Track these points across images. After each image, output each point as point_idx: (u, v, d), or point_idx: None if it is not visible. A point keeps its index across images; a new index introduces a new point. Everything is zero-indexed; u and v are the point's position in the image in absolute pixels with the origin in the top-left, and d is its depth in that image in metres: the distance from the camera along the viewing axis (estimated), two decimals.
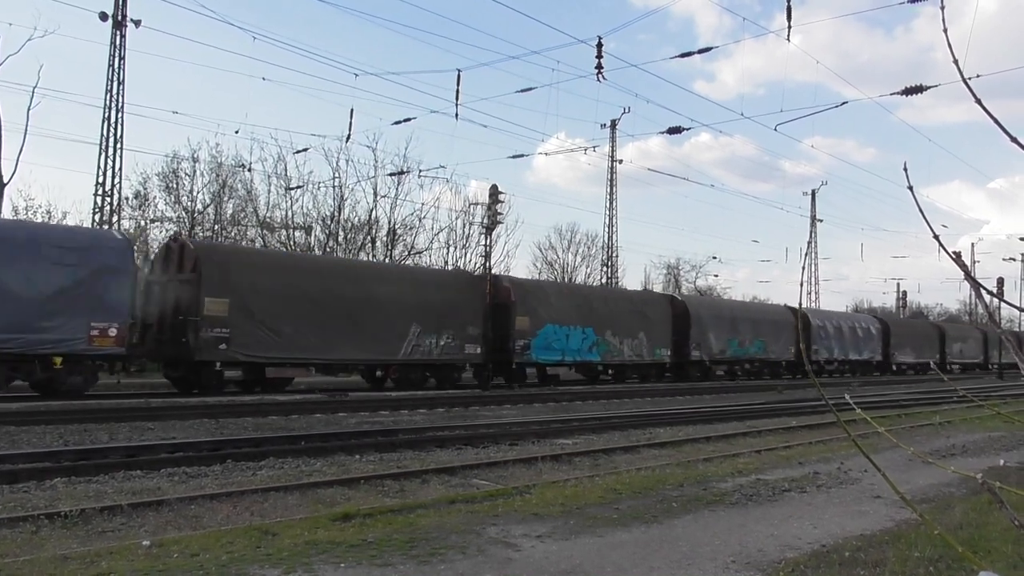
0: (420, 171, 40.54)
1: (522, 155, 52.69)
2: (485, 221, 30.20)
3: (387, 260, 40.25)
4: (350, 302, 22.85)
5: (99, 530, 6.93)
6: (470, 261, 43.61)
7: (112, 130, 28.92)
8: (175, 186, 37.58)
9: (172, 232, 28.93)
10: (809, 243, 62.08)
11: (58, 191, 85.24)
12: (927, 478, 9.28)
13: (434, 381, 25.64)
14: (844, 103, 24.68)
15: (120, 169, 29.33)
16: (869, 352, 46.38)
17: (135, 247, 23.13)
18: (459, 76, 24.33)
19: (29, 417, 14.09)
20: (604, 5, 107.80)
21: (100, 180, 29.03)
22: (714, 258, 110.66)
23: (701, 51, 24.73)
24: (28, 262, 17.54)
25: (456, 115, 24.86)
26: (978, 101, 1.65)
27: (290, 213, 39.91)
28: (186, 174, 37.68)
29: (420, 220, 43.75)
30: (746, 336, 37.66)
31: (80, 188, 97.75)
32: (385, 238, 42.30)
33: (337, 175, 40.33)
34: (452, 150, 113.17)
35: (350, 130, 32.35)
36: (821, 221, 57.52)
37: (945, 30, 1.65)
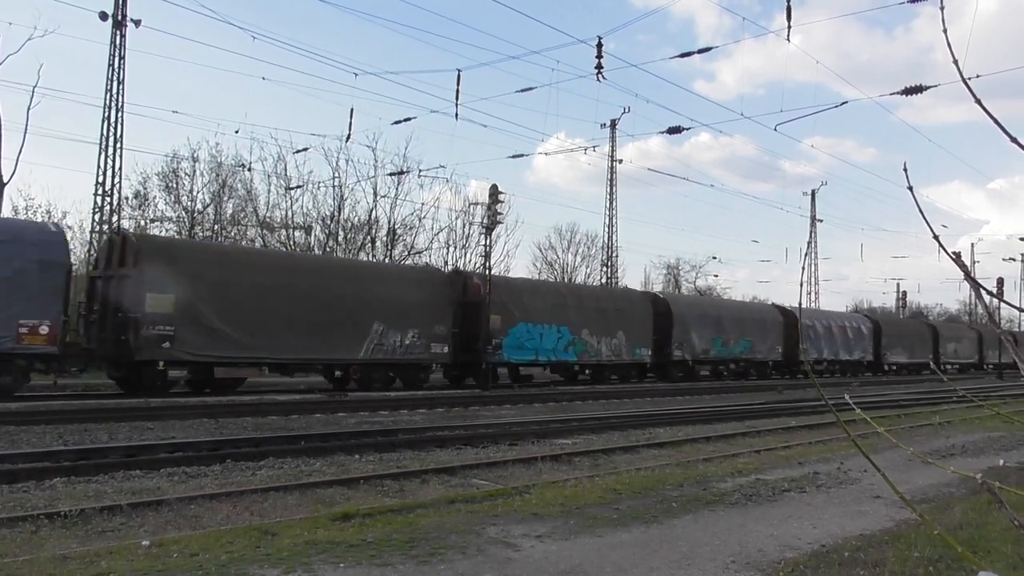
0: (420, 171, 40.58)
1: (522, 155, 52.89)
2: (485, 221, 30.14)
3: (386, 260, 40.27)
4: (307, 298, 21.82)
5: (99, 530, 6.93)
6: (470, 261, 43.67)
7: (112, 130, 28.94)
8: (175, 186, 37.67)
9: (113, 228, 26.91)
10: (809, 243, 62.11)
11: (58, 191, 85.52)
12: (927, 478, 9.28)
13: (400, 383, 24.57)
14: (844, 103, 24.60)
15: (120, 169, 29.35)
16: (860, 352, 45.86)
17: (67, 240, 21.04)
18: (459, 76, 24.32)
19: (28, 417, 14.09)
20: (604, 5, 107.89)
21: (100, 180, 29.03)
22: (714, 258, 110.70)
23: (701, 51, 24.71)
24: None
25: (456, 115, 24.83)
26: (978, 101, 1.65)
27: (290, 213, 40.01)
28: (186, 174, 37.77)
29: (420, 220, 43.85)
30: (731, 335, 36.91)
31: (80, 188, 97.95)
32: (385, 238, 42.35)
33: (337, 175, 40.41)
34: (452, 150, 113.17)
35: (350, 130, 32.46)
36: (821, 221, 57.59)
37: (945, 30, 1.65)
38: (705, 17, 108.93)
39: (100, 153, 28.82)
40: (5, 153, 30.08)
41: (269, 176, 41.95)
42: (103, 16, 28.20)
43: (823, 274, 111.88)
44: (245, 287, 20.73)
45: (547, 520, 6.93)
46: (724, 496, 8.34)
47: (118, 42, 28.59)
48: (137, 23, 28.62)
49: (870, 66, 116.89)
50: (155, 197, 37.38)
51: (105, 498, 8.20)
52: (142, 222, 36.59)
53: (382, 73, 61.56)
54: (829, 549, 6.13)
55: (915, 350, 50.62)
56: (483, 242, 30.45)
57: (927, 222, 1.78)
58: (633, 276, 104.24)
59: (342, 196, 40.88)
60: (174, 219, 37.43)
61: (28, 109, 31.05)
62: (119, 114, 28.95)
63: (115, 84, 28.77)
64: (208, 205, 38.37)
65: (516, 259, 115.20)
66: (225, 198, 38.89)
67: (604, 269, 48.42)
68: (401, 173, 40.28)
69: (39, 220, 25.75)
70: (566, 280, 52.27)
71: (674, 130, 25.67)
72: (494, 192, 28.19)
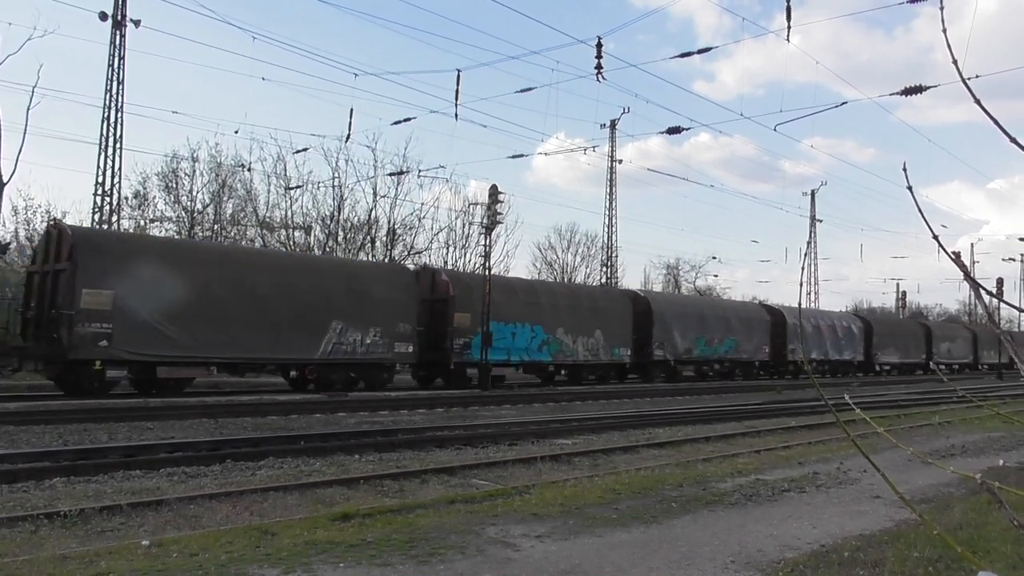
0: (420, 171, 40.63)
1: (522, 155, 52.84)
2: (484, 221, 30.13)
3: (385, 260, 40.27)
4: (259, 295, 20.87)
5: (98, 530, 6.93)
6: (470, 261, 43.71)
7: (112, 130, 28.99)
8: (175, 186, 37.71)
9: (52, 220, 25.07)
10: (809, 243, 62.10)
11: (58, 191, 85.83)
12: (926, 478, 9.28)
13: (363, 384, 23.71)
14: (844, 103, 24.72)
15: (120, 169, 29.44)
16: (850, 352, 45.29)
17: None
18: (459, 76, 24.31)
19: (28, 417, 14.08)
20: (604, 5, 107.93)
21: (100, 180, 29.11)
22: (714, 258, 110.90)
23: (701, 51, 24.68)
24: None
25: (456, 115, 24.81)
26: (977, 101, 1.65)
27: (290, 213, 40.01)
28: (186, 174, 37.80)
29: (420, 220, 43.87)
30: (715, 335, 36.02)
31: (80, 188, 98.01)
32: (385, 238, 42.36)
33: (337, 175, 40.42)
34: (452, 150, 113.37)
35: (350, 130, 32.57)
36: (821, 221, 57.58)
37: (944, 30, 1.65)
38: (705, 17, 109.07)
39: (100, 153, 28.91)
40: (5, 153, 30.23)
41: (269, 176, 42.12)
42: (103, 16, 28.24)
43: (823, 274, 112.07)
44: (191, 282, 19.74)
45: (547, 520, 6.93)
46: (724, 496, 8.34)
47: (118, 42, 28.64)
48: (137, 23, 28.69)
49: (870, 66, 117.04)
50: (155, 197, 37.50)
51: (105, 498, 8.19)
52: (142, 222, 36.66)
53: (382, 73, 61.74)
54: (829, 549, 6.13)
55: (908, 350, 50.32)
56: (483, 242, 30.44)
57: (927, 222, 1.78)
58: (633, 276, 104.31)
59: (342, 196, 40.95)
60: (174, 219, 37.49)
61: (28, 109, 30.97)
62: (119, 114, 29.03)
63: (115, 84, 28.82)
64: (208, 205, 38.45)
65: (516, 259, 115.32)
66: (225, 198, 38.98)
67: (604, 269, 48.50)
68: (401, 173, 40.33)
69: None
70: (566, 280, 52.26)
71: (674, 130, 25.69)
72: (494, 192, 28.18)
